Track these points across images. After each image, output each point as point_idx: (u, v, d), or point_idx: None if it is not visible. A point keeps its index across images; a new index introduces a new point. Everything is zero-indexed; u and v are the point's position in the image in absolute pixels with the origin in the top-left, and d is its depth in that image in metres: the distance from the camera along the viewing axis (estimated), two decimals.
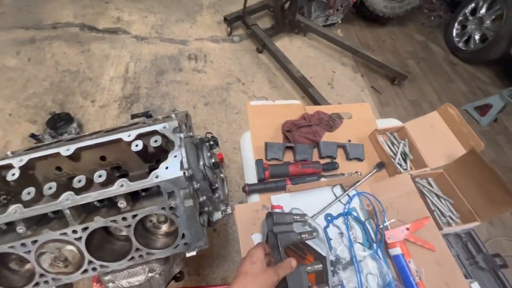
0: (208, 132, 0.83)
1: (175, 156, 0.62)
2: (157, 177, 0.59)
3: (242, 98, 2.23)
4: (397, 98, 2.47)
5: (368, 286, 0.76)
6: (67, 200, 0.58)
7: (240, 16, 2.62)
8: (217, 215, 0.79)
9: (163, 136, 0.65)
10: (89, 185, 0.61)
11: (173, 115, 0.73)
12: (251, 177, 0.97)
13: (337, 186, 0.96)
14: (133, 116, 0.98)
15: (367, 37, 2.94)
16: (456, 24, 2.96)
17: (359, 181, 0.95)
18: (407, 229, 0.82)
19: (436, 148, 1.00)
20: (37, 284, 0.61)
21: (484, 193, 0.84)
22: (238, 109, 2.14)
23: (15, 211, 0.57)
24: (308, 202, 0.91)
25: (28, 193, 0.59)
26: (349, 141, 1.08)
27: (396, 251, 0.80)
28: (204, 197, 0.68)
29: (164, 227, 0.70)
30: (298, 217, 0.70)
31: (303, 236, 0.65)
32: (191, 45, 2.59)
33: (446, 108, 1.04)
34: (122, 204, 0.60)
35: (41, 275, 0.61)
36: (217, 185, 0.77)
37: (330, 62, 2.61)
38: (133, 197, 0.64)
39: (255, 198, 0.93)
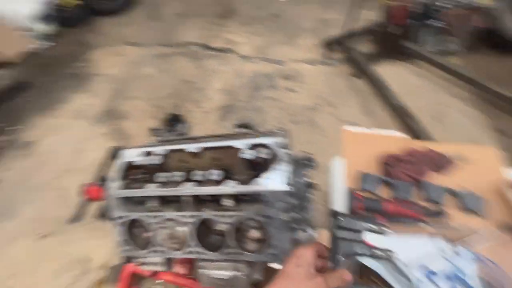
0: (306, 152, 0.85)
1: (280, 170, 0.66)
2: (261, 185, 0.65)
3: (331, 121, 2.20)
4: None
5: None
6: (189, 189, 0.70)
7: (339, 40, 2.63)
8: (303, 236, 0.79)
9: (271, 150, 0.71)
10: (204, 180, 0.72)
11: (278, 131, 0.79)
12: (339, 205, 0.94)
13: (441, 238, 0.82)
14: (237, 126, 1.10)
15: (494, 69, 2.46)
16: None
17: (474, 239, 0.79)
18: None
19: None
20: (151, 251, 0.75)
21: None
22: (325, 131, 2.12)
23: (151, 190, 0.72)
24: (403, 247, 0.81)
25: (162, 177, 0.74)
26: (463, 188, 0.91)
27: None
28: (296, 215, 0.70)
29: (254, 233, 0.75)
30: (374, 226, 0.58)
31: (375, 252, 0.55)
32: (288, 65, 2.74)
33: None
34: (228, 202, 0.69)
35: (157, 245, 0.75)
36: (307, 206, 0.78)
37: (440, 94, 2.29)
38: (235, 199, 0.71)
39: None
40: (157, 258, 0.78)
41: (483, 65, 2.50)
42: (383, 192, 0.94)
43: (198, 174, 0.73)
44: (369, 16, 3.07)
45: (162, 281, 1.39)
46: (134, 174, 0.83)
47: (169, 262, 0.81)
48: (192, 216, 0.71)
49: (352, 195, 0.89)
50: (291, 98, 2.42)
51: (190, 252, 0.72)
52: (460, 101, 2.22)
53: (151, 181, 0.82)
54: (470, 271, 0.75)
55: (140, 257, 0.77)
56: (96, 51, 3.30)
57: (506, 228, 0.80)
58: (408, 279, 0.70)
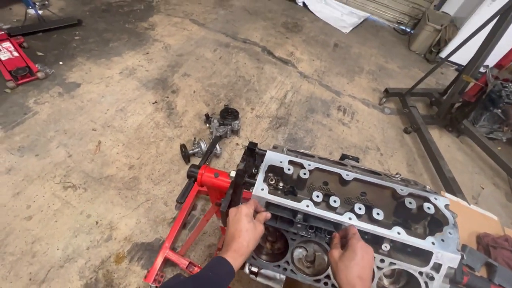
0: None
1: (450, 233, 0.65)
2: (433, 244, 0.63)
3: (376, 167, 2.21)
4: None
5: None
6: (350, 219, 0.67)
7: (400, 93, 2.69)
8: None
9: (436, 208, 0.70)
10: (362, 214, 0.70)
11: (427, 188, 0.78)
12: None
13: None
14: (344, 156, 1.09)
15: None
16: None
17: None
18: None
19: None
20: (278, 266, 0.71)
21: None
22: None
23: (307, 205, 0.69)
24: None
25: (317, 196, 0.71)
26: None
27: None
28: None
29: (386, 281, 0.73)
30: None
31: None
32: (343, 98, 2.78)
33: None
34: (386, 247, 0.66)
35: (286, 262, 0.71)
36: None
37: (480, 176, 2.37)
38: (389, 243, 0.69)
39: None
40: (278, 274, 0.73)
41: None
42: (481, 272, 0.94)
43: (359, 208, 0.70)
44: (430, 80, 3.20)
45: None
46: (271, 178, 0.80)
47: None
48: None
49: (460, 267, 0.88)
50: (343, 132, 2.44)
51: (325, 283, 0.68)
52: (497, 189, 2.31)
53: (291, 193, 0.79)
54: None
55: (261, 266, 0.72)
56: (159, 17, 3.23)
57: None
58: None
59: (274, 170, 0.79)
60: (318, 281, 0.69)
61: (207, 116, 2.14)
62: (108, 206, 1.67)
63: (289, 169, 0.76)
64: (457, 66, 3.68)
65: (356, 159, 1.09)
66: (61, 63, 2.42)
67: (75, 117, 2.07)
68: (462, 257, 0.61)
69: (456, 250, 0.62)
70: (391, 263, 0.65)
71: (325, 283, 0.69)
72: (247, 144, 0.86)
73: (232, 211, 0.65)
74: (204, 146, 1.91)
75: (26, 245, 1.46)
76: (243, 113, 2.38)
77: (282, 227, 0.70)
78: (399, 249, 0.69)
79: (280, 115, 2.45)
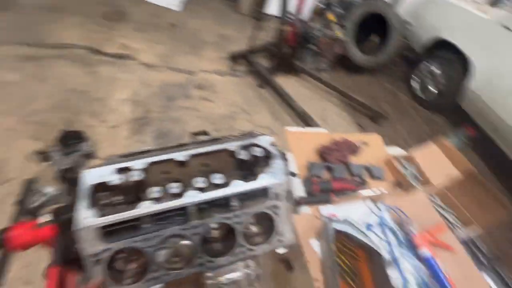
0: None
1: (276, 165, 0.75)
2: (268, 180, 0.72)
3: (248, 127, 2.41)
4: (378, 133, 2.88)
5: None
6: (193, 197, 0.67)
7: (243, 55, 2.92)
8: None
9: (263, 148, 0.78)
10: (205, 187, 0.71)
11: (258, 133, 0.87)
12: (298, 189, 1.11)
13: (367, 200, 1.14)
14: (195, 134, 1.08)
15: (348, 83, 3.44)
16: (414, 76, 3.57)
17: (384, 196, 1.15)
18: (428, 233, 1.02)
19: (436, 169, 1.27)
20: (148, 280, 0.65)
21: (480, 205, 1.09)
22: None
23: (146, 207, 0.64)
24: (348, 212, 1.07)
25: (157, 191, 0.66)
26: (369, 163, 1.30)
27: (425, 251, 0.98)
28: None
29: (253, 229, 0.79)
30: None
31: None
32: (197, 76, 2.77)
33: (441, 140, 1.34)
34: (234, 203, 0.70)
35: (154, 270, 0.65)
36: None
37: (321, 101, 2.98)
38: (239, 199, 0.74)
39: (305, 209, 1.06)
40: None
41: (343, 80, 3.45)
42: (326, 175, 1.19)
43: (199, 181, 0.70)
44: (263, 36, 3.58)
45: None
46: (103, 198, 0.69)
47: None
48: (196, 226, 0.67)
49: (308, 181, 1.08)
50: (208, 107, 2.47)
51: (200, 265, 0.68)
52: (334, 106, 2.98)
53: (133, 202, 0.71)
54: (388, 217, 1.10)
55: None
56: None
57: (398, 185, 1.22)
58: (363, 233, 0.95)
59: (104, 188, 0.68)
60: (192, 267, 0.68)
61: (39, 152, 1.68)
62: None
63: (118, 178, 0.67)
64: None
65: (204, 133, 1.10)
66: None
67: None
68: (293, 175, 0.72)
69: (284, 176, 0.73)
70: (245, 213, 0.70)
71: (200, 264, 0.69)
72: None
73: None
74: (51, 190, 1.51)
75: None
76: (92, 129, 2.01)
77: (128, 237, 0.63)
78: (246, 199, 0.75)
79: (139, 115, 2.22)
